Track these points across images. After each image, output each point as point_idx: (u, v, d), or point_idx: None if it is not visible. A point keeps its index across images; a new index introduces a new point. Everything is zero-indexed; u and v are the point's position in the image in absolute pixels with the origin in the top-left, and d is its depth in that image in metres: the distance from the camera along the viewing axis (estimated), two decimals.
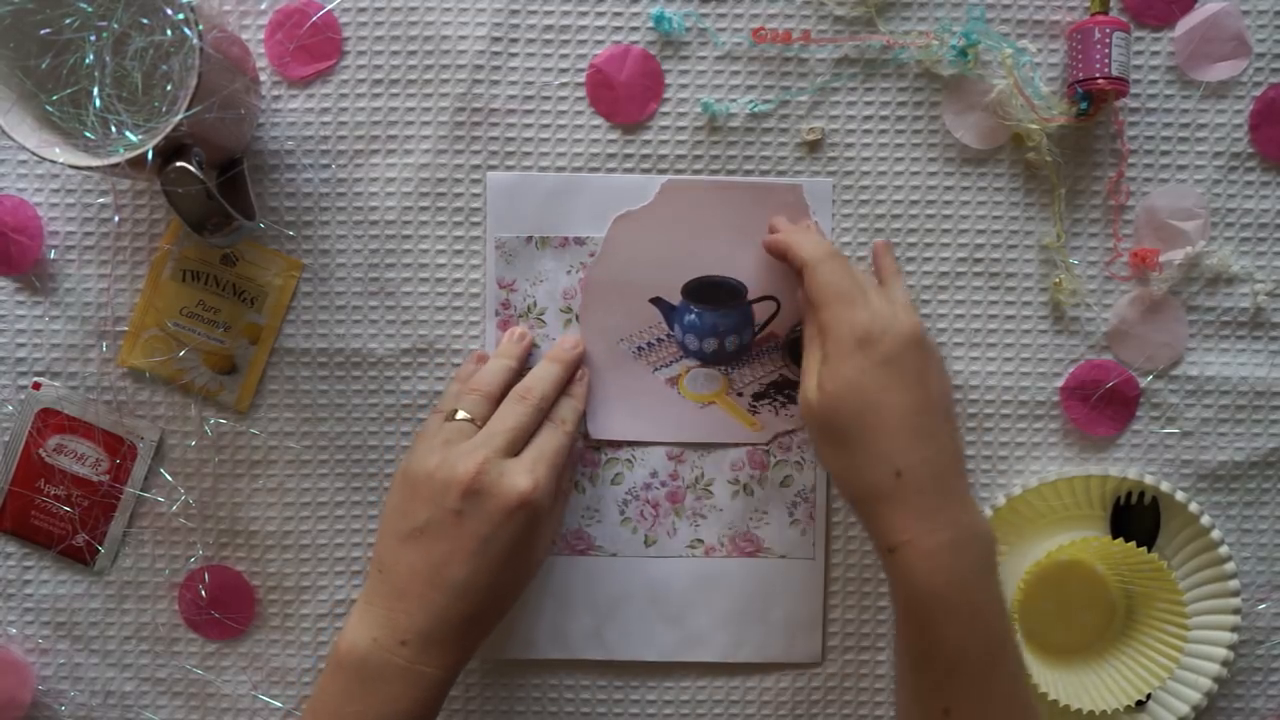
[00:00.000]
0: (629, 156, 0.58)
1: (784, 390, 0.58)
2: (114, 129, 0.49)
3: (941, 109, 0.58)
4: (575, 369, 0.57)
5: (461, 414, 0.53)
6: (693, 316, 0.57)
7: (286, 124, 0.58)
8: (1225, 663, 0.57)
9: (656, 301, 0.58)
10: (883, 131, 0.58)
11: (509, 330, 0.57)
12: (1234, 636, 0.57)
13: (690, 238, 0.57)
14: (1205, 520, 0.57)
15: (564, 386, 0.56)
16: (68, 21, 0.49)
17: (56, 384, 0.58)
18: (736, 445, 0.58)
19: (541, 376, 0.55)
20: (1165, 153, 0.58)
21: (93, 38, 0.49)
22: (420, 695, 0.49)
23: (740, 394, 0.58)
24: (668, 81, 0.58)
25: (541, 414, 0.54)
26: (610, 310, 0.58)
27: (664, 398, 0.58)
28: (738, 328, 0.58)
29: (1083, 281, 0.58)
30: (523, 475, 0.50)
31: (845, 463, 0.49)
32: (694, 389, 0.58)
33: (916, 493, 0.47)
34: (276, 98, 0.58)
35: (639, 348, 0.58)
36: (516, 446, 0.52)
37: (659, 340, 0.58)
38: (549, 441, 0.53)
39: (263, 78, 0.57)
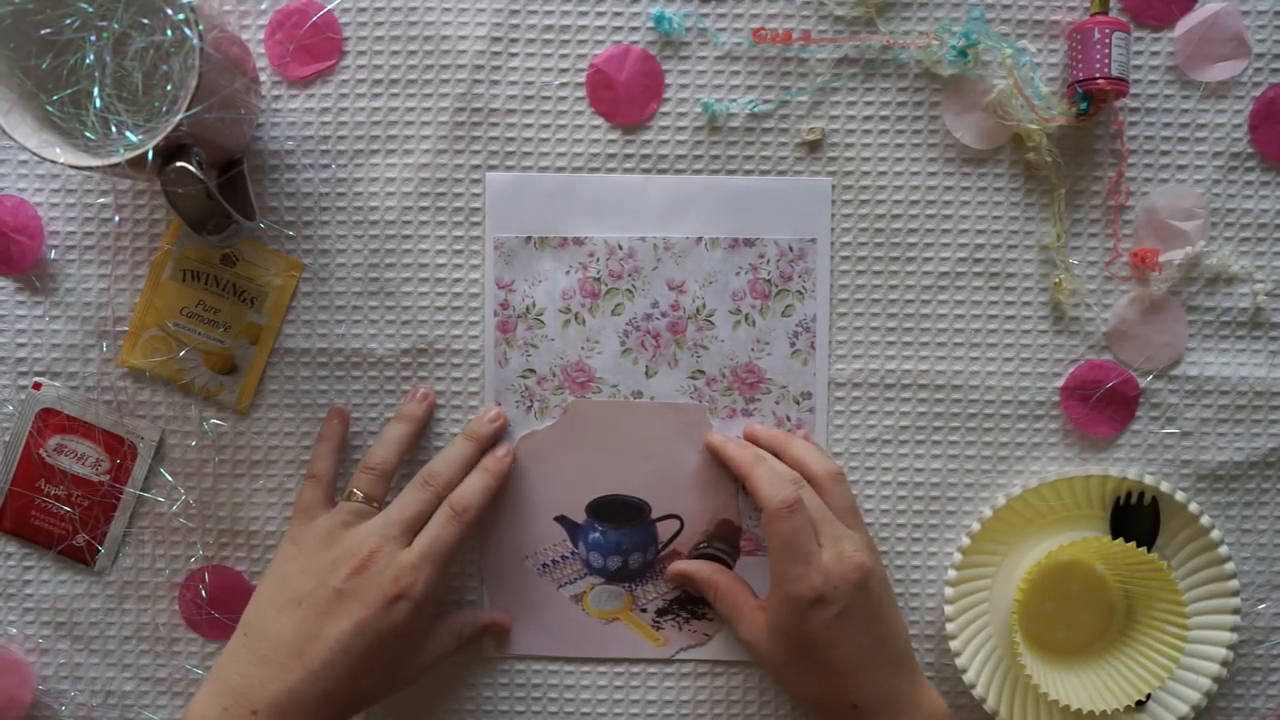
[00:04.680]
0: (629, 156, 0.58)
1: (687, 606, 0.59)
2: (114, 129, 0.49)
3: (941, 109, 0.58)
4: (490, 445, 0.57)
5: (358, 495, 0.53)
6: (597, 535, 0.58)
7: (286, 124, 0.58)
8: (1225, 663, 0.57)
9: (561, 519, 0.58)
10: (883, 131, 0.58)
11: (411, 391, 0.57)
12: (1234, 636, 0.57)
13: (595, 456, 0.58)
14: (1205, 520, 0.57)
15: (474, 467, 0.56)
16: (68, 22, 0.49)
17: (57, 384, 0.58)
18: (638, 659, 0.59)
19: (449, 459, 0.55)
20: (1165, 153, 0.58)
21: (93, 38, 0.49)
22: None
23: (644, 610, 0.59)
24: (668, 81, 0.58)
25: (443, 500, 0.54)
26: (515, 527, 0.58)
27: (568, 614, 0.59)
28: (641, 546, 0.58)
29: (1082, 281, 0.58)
30: (408, 571, 0.50)
31: (801, 691, 0.53)
32: (598, 605, 0.59)
33: (873, 715, 0.51)
34: (276, 98, 0.58)
35: (543, 564, 0.59)
36: (414, 534, 0.52)
37: (563, 557, 0.59)
38: (442, 534, 0.52)
39: (263, 78, 0.57)
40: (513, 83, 0.58)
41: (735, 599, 0.56)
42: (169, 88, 0.50)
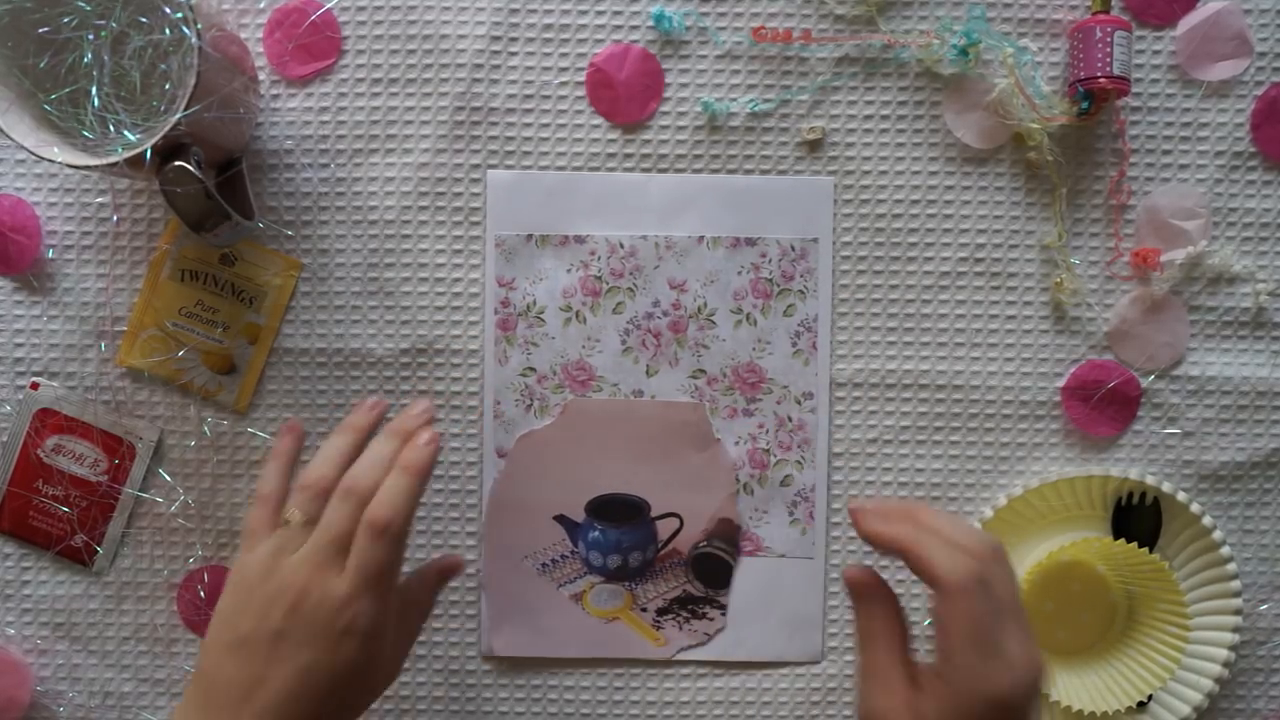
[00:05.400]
0: (629, 156, 0.58)
1: (687, 605, 0.59)
2: (112, 128, 0.49)
3: (942, 108, 0.58)
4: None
5: (295, 516, 0.47)
6: (596, 533, 0.58)
7: (285, 123, 0.57)
8: (1226, 663, 0.57)
9: (560, 519, 0.58)
10: (883, 131, 0.58)
11: (361, 401, 0.53)
12: (1235, 637, 0.57)
13: (593, 456, 0.58)
14: (1207, 521, 0.56)
15: None
16: (66, 20, 0.49)
17: (55, 384, 0.58)
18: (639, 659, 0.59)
19: (373, 462, 0.47)
20: (1167, 152, 0.58)
21: (91, 37, 0.49)
22: None
23: (644, 609, 0.59)
24: (668, 81, 0.58)
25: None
26: (514, 527, 0.58)
27: (568, 613, 0.59)
28: (641, 544, 0.58)
29: (1084, 281, 0.58)
30: (343, 605, 0.45)
31: None
32: (598, 604, 0.59)
33: None
34: (275, 97, 0.57)
35: (543, 564, 0.58)
36: (347, 554, 0.46)
37: (563, 557, 0.58)
38: (368, 557, 0.45)
39: (261, 77, 0.57)
40: (513, 82, 0.57)
41: (887, 657, 0.45)
42: (167, 87, 0.50)
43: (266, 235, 0.58)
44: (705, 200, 0.58)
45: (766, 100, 0.58)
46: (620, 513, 0.58)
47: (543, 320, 0.58)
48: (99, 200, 0.58)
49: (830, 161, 0.58)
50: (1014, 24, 0.57)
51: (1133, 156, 0.58)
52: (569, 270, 0.58)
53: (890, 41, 0.57)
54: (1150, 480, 0.57)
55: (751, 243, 0.58)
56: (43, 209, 0.58)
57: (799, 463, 0.58)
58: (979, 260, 0.58)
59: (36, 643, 0.59)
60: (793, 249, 0.58)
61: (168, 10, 0.46)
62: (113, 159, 0.47)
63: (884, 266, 0.58)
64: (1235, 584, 0.56)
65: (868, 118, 0.58)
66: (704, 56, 0.58)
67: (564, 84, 0.58)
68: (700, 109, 0.57)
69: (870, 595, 0.46)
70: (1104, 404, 0.58)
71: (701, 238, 0.58)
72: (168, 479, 0.58)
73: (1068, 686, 0.56)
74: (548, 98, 0.58)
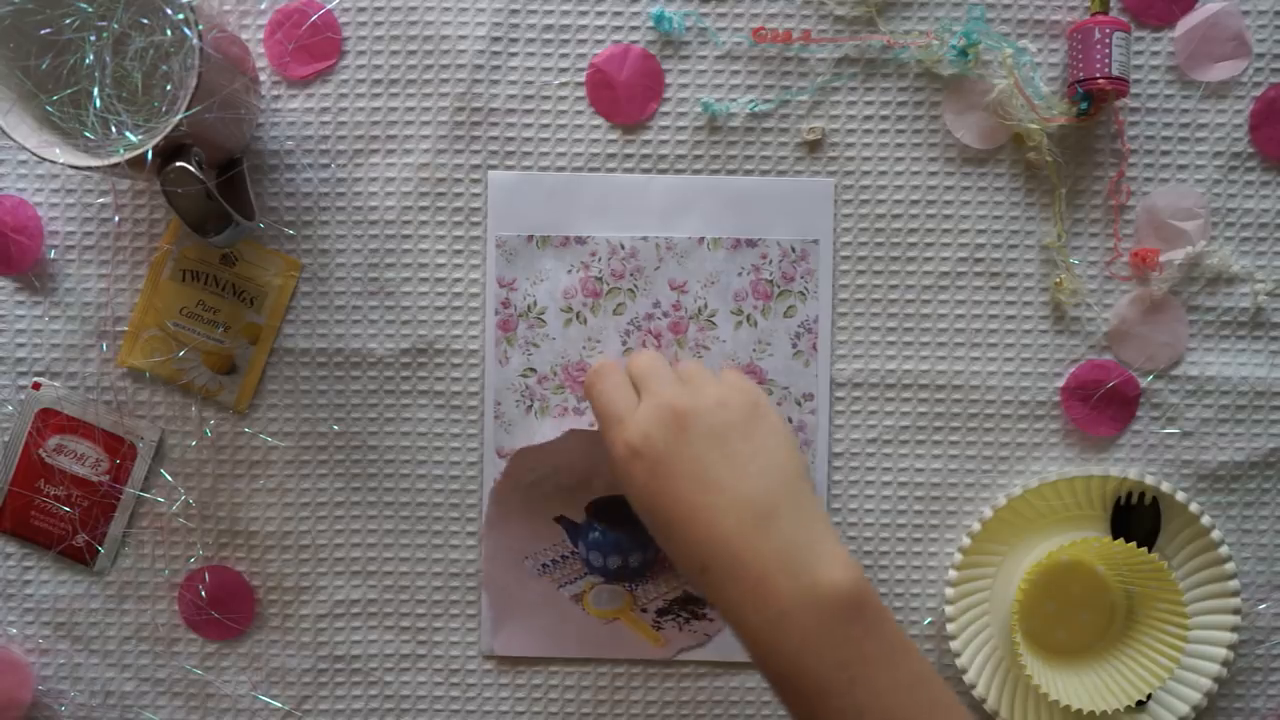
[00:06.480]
0: (629, 156, 0.58)
1: (688, 606, 0.59)
2: (114, 129, 0.49)
3: (942, 109, 0.58)
4: None
5: None
6: (597, 534, 0.58)
7: (286, 124, 0.58)
8: (1225, 663, 0.57)
9: (561, 519, 0.58)
10: (883, 131, 0.58)
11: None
12: (1234, 637, 0.57)
13: (591, 466, 0.58)
14: (1206, 520, 0.57)
15: None
16: (68, 21, 0.49)
17: (56, 384, 0.58)
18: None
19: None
20: (1165, 153, 0.58)
21: (92, 38, 0.49)
22: None
23: (644, 610, 0.59)
24: (668, 81, 0.58)
25: None
26: (515, 528, 0.58)
27: (568, 614, 0.59)
28: (641, 545, 0.58)
29: (1083, 281, 0.58)
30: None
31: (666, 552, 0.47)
32: (598, 605, 0.59)
33: (727, 581, 0.43)
34: (276, 97, 0.57)
35: (543, 565, 0.59)
36: None
37: (563, 557, 0.59)
38: None
39: (262, 77, 0.57)
40: (513, 82, 0.58)
41: (601, 423, 0.48)
42: (168, 88, 0.50)
43: (267, 235, 0.58)
44: (706, 201, 0.58)
45: (766, 101, 0.58)
46: (621, 513, 0.58)
47: (543, 321, 0.58)
48: (100, 201, 0.58)
49: (830, 162, 0.58)
50: (1013, 24, 0.57)
51: (1132, 157, 0.58)
52: (569, 271, 0.58)
53: (890, 42, 0.57)
54: (1149, 480, 0.57)
55: (752, 244, 0.58)
56: (44, 209, 0.58)
57: None
58: (979, 260, 0.58)
59: (38, 642, 0.59)
60: (793, 250, 0.58)
61: (169, 11, 0.47)
62: (114, 160, 0.47)
63: (884, 267, 0.58)
64: (1234, 583, 0.57)
65: (868, 118, 0.58)
66: (704, 57, 0.58)
67: (564, 84, 0.58)
68: (700, 109, 0.58)
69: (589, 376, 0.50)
70: (1103, 404, 0.58)
71: (702, 239, 0.58)
72: (169, 479, 0.58)
73: (1067, 686, 0.56)
74: (548, 98, 0.58)
